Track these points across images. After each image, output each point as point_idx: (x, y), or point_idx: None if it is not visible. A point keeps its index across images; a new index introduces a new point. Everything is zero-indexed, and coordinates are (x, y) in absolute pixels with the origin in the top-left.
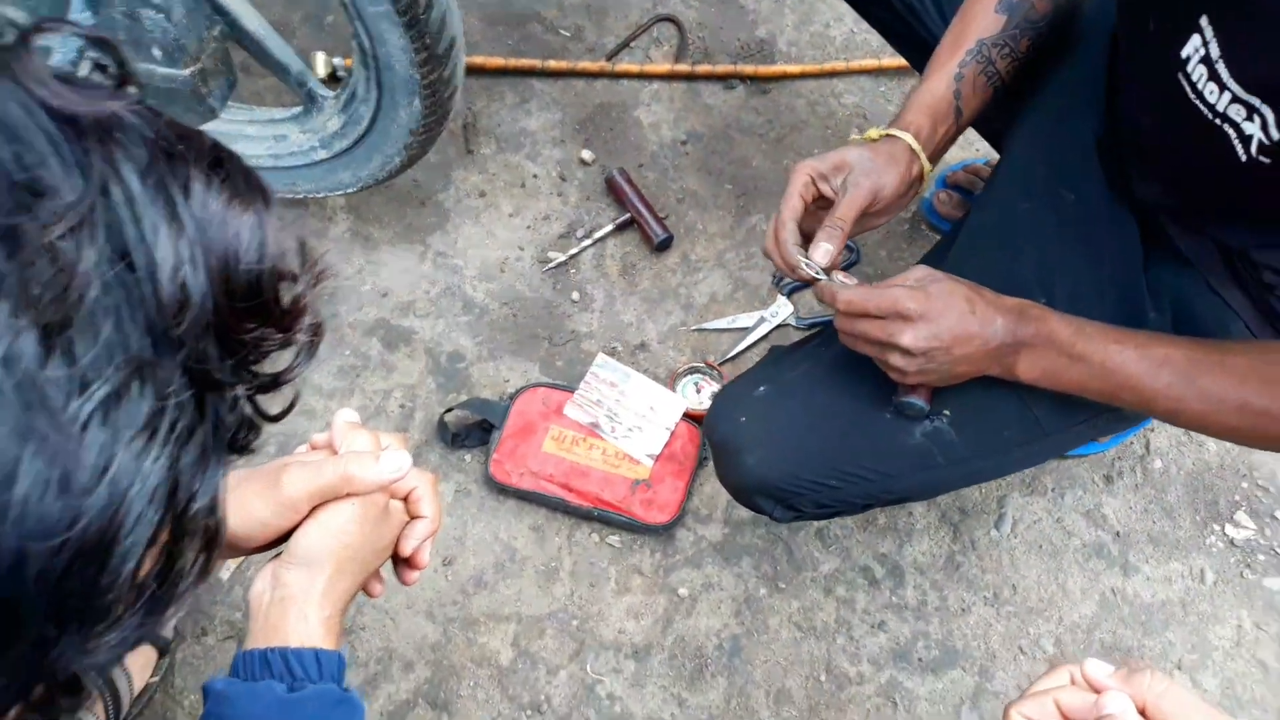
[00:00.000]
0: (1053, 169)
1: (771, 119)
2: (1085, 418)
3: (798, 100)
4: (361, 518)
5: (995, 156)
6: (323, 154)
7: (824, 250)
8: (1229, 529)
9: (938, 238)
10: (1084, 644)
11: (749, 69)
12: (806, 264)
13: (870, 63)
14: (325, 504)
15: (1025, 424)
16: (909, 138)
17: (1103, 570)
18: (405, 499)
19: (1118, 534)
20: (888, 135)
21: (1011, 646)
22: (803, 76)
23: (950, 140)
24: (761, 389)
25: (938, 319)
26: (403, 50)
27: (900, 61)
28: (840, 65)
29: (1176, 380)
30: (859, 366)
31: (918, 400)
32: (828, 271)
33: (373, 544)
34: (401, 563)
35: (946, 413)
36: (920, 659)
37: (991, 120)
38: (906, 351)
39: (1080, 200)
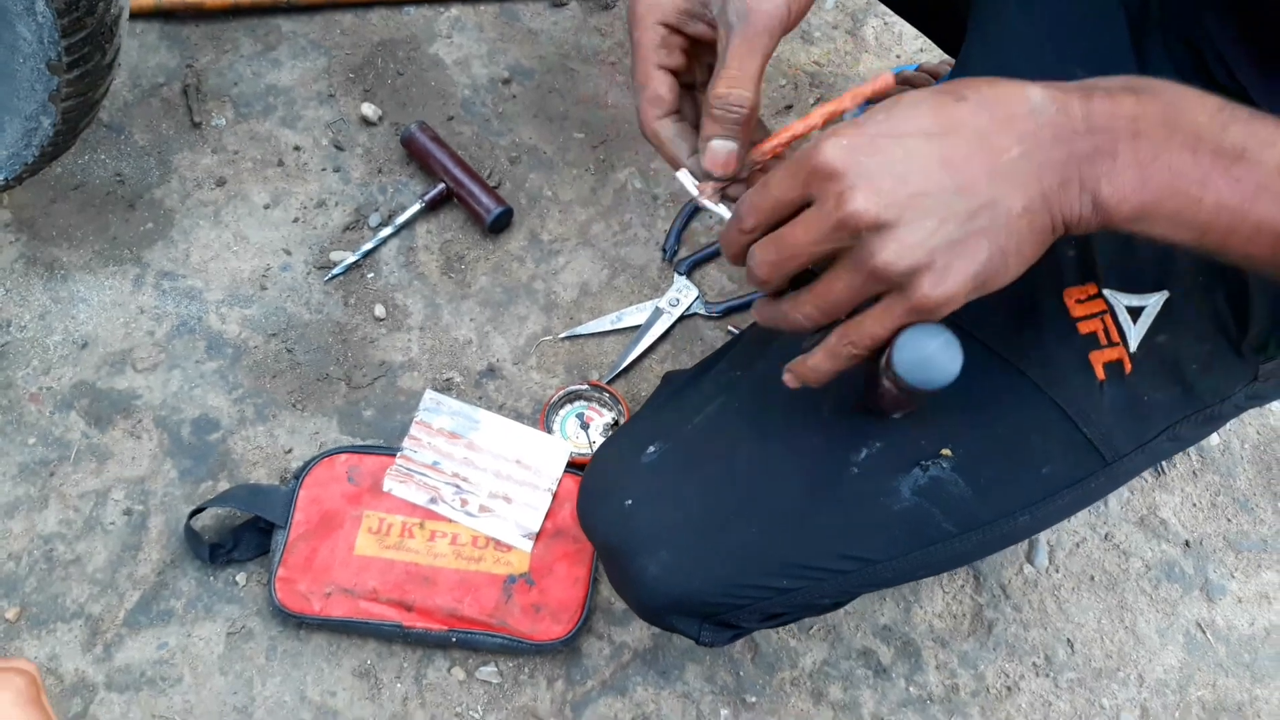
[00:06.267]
0: (1061, 44)
1: (622, 40)
2: (1165, 425)
3: None
4: None
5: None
6: None
7: (715, 151)
8: None
9: None
10: (1178, 709)
11: None
12: (696, 186)
13: None
14: None
15: (1075, 451)
16: None
17: (1179, 598)
18: None
19: (1186, 544)
20: None
21: None
22: None
23: None
24: (652, 450)
25: (896, 138)
26: None
27: None
28: None
29: None
30: (804, 389)
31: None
32: (725, 191)
33: None
34: None
35: (947, 452)
36: None
37: None
38: (875, 226)
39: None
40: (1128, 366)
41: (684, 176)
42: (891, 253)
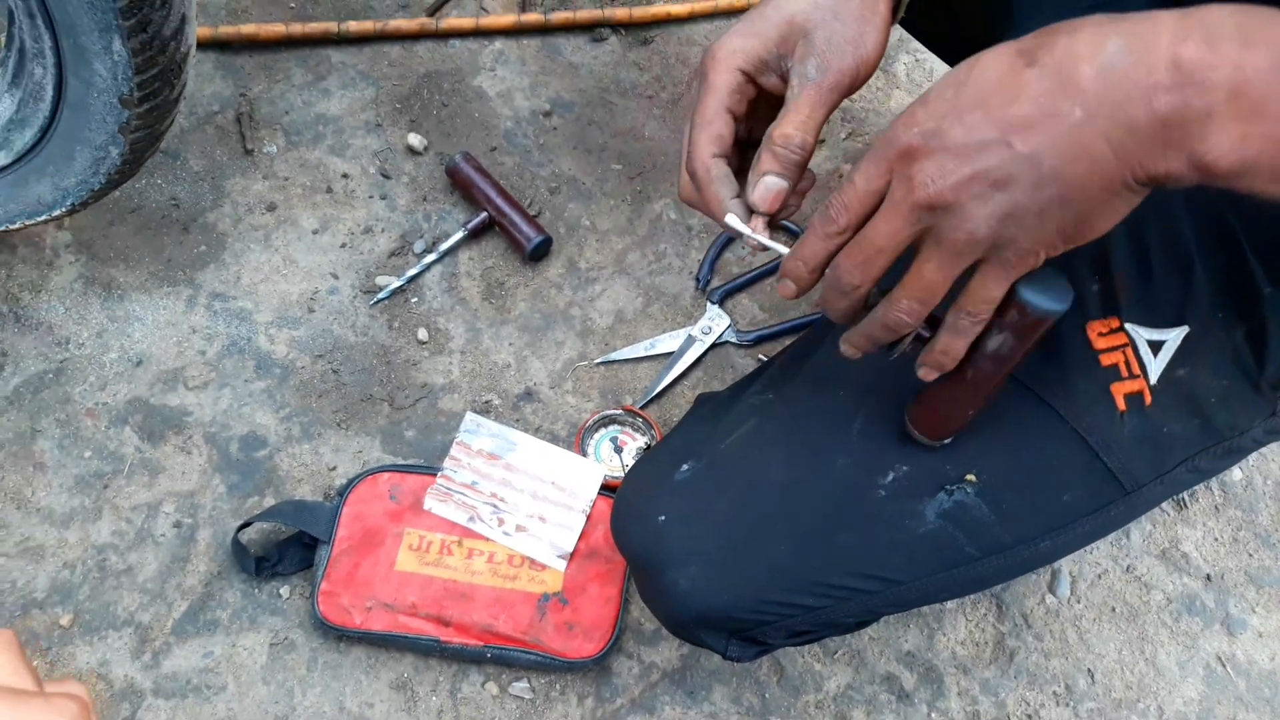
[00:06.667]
0: None
1: (660, 75)
2: (1184, 456)
3: (690, 50)
4: None
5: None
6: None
7: (768, 186)
8: None
9: None
10: None
11: (621, 13)
12: (743, 225)
13: None
14: None
15: (1095, 480)
16: None
17: (1200, 631)
18: None
19: (1208, 578)
20: None
21: None
22: (693, 18)
23: None
24: (685, 468)
25: (959, 114)
26: None
27: None
28: None
29: None
30: (835, 412)
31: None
32: (774, 224)
33: None
34: None
35: (972, 477)
36: None
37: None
38: (945, 206)
39: None
40: (1148, 399)
41: (733, 220)
42: (968, 228)
